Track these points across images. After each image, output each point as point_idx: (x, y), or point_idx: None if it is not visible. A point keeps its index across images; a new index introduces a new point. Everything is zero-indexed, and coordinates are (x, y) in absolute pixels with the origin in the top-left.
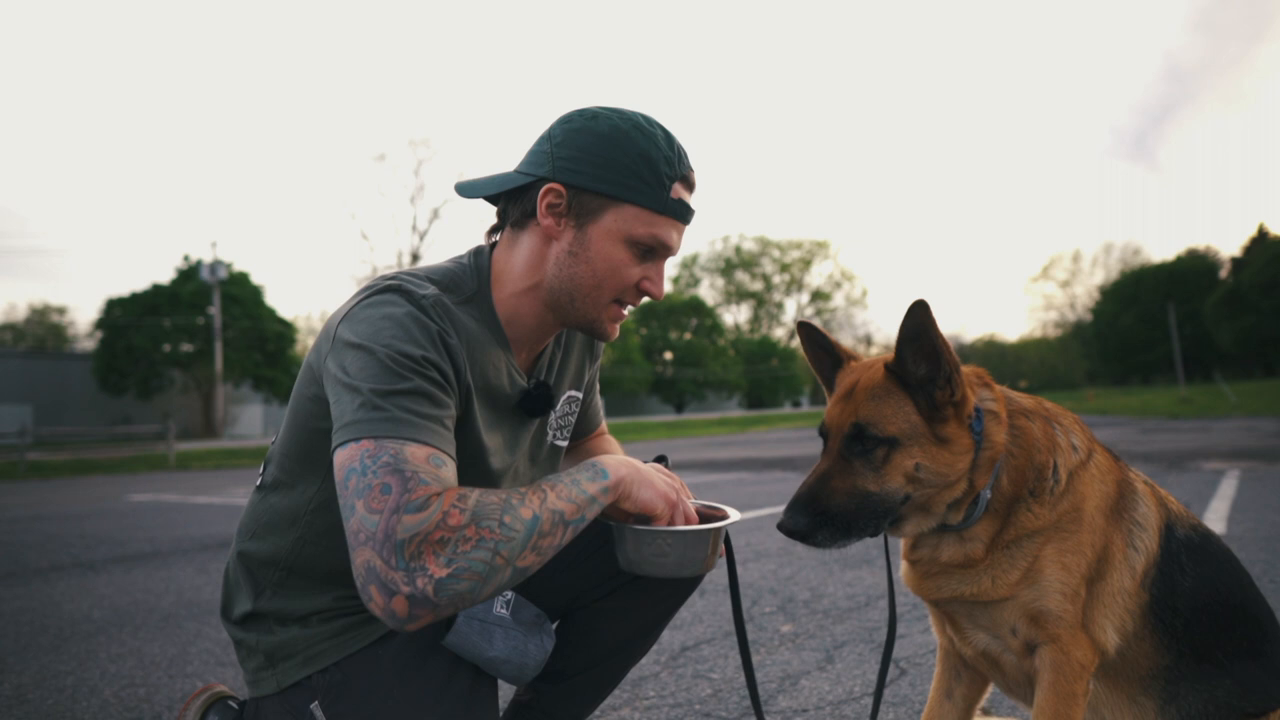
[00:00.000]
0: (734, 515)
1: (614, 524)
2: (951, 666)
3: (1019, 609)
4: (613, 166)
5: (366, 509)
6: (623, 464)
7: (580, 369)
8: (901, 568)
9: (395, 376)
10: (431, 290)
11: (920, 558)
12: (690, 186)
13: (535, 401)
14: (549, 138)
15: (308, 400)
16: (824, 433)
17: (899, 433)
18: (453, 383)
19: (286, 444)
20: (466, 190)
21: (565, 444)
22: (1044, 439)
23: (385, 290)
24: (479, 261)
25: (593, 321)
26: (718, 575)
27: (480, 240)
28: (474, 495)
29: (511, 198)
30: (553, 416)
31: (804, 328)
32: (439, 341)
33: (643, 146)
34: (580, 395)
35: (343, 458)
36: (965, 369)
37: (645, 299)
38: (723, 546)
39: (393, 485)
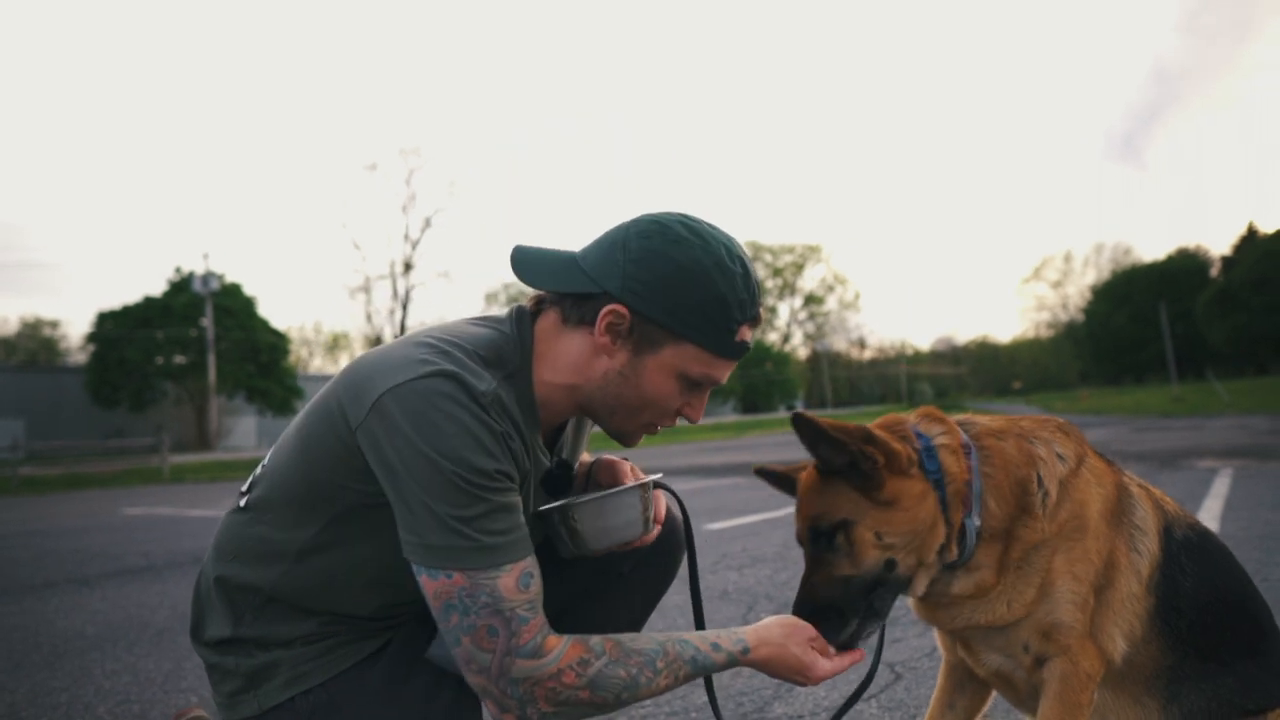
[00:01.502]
0: (648, 478)
1: (538, 513)
2: (956, 679)
3: (1033, 625)
4: (685, 305)
5: (475, 645)
6: (769, 645)
7: (586, 434)
8: (910, 601)
9: (471, 499)
10: (488, 382)
11: (929, 594)
12: (756, 324)
13: (557, 482)
14: (623, 246)
15: (333, 455)
16: (801, 544)
17: (846, 514)
18: (518, 481)
19: (291, 477)
20: (527, 274)
21: None
22: (1018, 454)
23: (441, 375)
24: (522, 333)
25: (623, 434)
26: (711, 580)
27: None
28: (597, 665)
29: (570, 295)
30: None
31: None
32: (504, 445)
33: (720, 289)
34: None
35: (436, 589)
36: (903, 416)
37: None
38: (662, 512)
39: (498, 629)
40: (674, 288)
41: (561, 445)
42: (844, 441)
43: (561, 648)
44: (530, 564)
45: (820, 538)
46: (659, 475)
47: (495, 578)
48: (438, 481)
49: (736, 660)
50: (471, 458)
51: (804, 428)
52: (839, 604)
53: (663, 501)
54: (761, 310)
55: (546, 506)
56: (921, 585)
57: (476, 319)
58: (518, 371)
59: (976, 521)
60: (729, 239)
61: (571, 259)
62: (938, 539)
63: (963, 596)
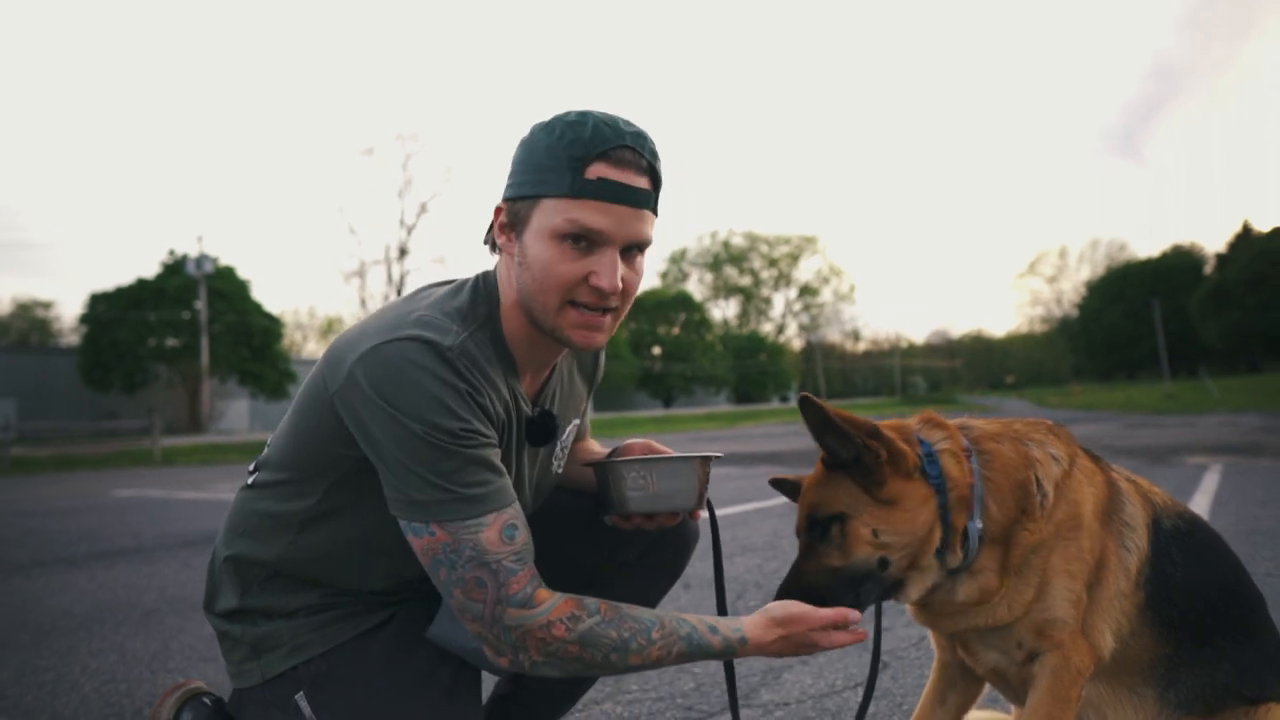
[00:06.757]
0: (714, 453)
1: (594, 464)
2: (949, 677)
3: (1029, 623)
4: (529, 167)
5: (466, 597)
6: (767, 642)
7: (582, 397)
8: (909, 609)
9: (443, 454)
10: (455, 336)
11: (931, 602)
12: (620, 163)
13: (540, 431)
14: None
15: (320, 424)
16: (798, 535)
17: (844, 507)
18: (490, 433)
19: (289, 452)
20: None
21: (561, 471)
22: (1017, 457)
23: (407, 340)
24: (487, 285)
25: (554, 329)
26: (700, 567)
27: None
28: (589, 622)
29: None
30: (557, 446)
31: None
32: (470, 402)
33: (554, 139)
34: (580, 422)
35: (421, 546)
36: (906, 422)
37: (611, 296)
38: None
39: (485, 580)
40: (522, 160)
41: (545, 398)
42: (850, 433)
43: (554, 601)
44: (513, 515)
45: (816, 527)
46: (719, 454)
47: (477, 531)
48: (409, 441)
49: (734, 648)
50: (437, 419)
51: (812, 413)
52: (822, 592)
53: (698, 470)
54: (630, 152)
55: (614, 460)
56: (916, 590)
57: (442, 282)
58: (488, 319)
59: (979, 525)
60: (592, 111)
61: None
62: (934, 544)
63: (968, 604)
